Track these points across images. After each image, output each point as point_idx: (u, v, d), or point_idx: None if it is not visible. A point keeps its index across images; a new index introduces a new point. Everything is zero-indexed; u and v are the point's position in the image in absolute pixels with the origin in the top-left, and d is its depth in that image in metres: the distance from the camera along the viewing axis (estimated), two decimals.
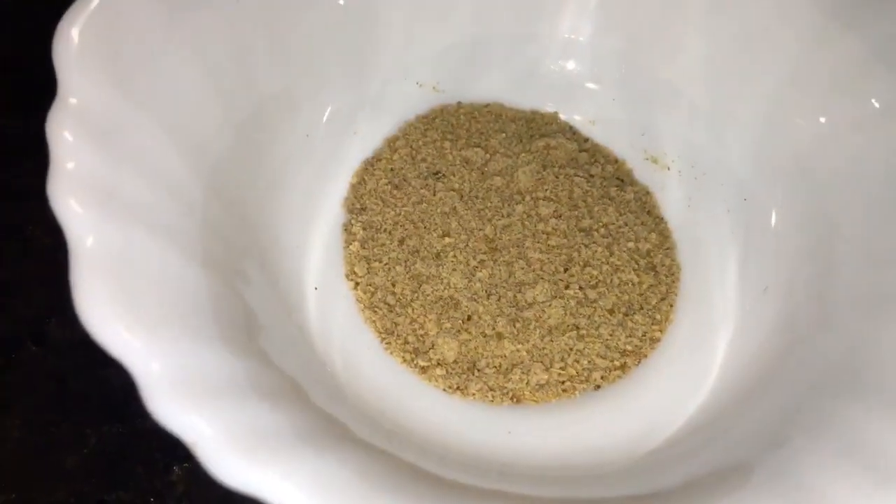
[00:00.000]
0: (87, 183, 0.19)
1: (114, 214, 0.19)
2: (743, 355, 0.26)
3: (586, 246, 0.29)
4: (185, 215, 0.21)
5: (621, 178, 0.31)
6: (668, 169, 0.31)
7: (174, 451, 0.24)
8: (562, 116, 0.32)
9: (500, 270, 0.28)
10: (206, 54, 0.24)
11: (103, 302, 0.17)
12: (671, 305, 0.28)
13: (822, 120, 0.27)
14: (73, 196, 0.19)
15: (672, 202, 0.30)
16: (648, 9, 0.30)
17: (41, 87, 0.20)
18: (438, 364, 0.26)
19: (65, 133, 0.19)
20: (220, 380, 0.17)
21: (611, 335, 0.27)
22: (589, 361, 0.26)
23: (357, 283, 0.28)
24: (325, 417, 0.20)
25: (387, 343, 0.27)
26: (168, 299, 0.19)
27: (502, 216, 0.29)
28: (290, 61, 0.28)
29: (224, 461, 0.16)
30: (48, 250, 0.28)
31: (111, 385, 0.25)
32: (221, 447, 0.16)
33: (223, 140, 0.25)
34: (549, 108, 0.32)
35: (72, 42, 0.21)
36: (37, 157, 0.22)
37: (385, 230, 0.28)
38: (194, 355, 0.17)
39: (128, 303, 0.17)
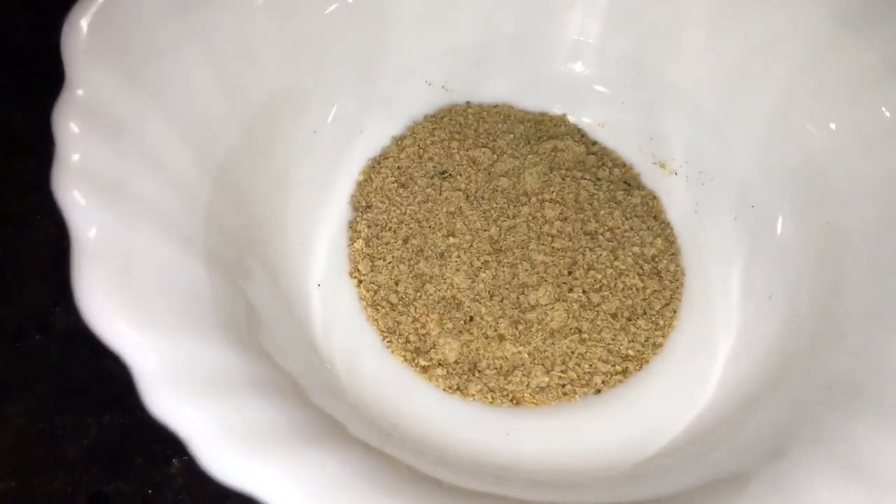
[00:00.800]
0: (92, 175, 0.19)
1: (118, 207, 0.19)
2: (745, 364, 0.26)
3: (591, 249, 0.29)
4: (189, 210, 0.21)
5: (628, 182, 0.31)
6: (676, 174, 0.31)
7: (174, 444, 0.24)
8: (570, 119, 0.32)
9: (503, 272, 0.28)
10: (215, 50, 0.24)
11: (103, 294, 0.17)
12: (674, 311, 0.28)
13: (833, 127, 0.27)
14: (77, 187, 0.19)
15: (679, 207, 0.30)
16: (657, 12, 0.29)
17: (50, 78, 0.21)
18: (439, 364, 0.26)
19: (71, 124, 0.20)
20: (218, 375, 0.18)
21: (613, 339, 0.27)
22: (590, 365, 0.26)
23: (360, 281, 0.28)
24: (323, 416, 0.20)
25: (388, 342, 0.27)
26: (168, 294, 0.19)
27: (508, 217, 0.29)
28: (298, 58, 0.28)
29: (218, 457, 0.16)
30: (55, 240, 0.28)
31: (114, 375, 0.25)
32: (216, 443, 0.16)
33: (230, 136, 0.25)
34: (557, 110, 0.32)
35: (81, 33, 0.21)
36: (45, 149, 0.22)
37: (390, 228, 0.28)
38: (193, 350, 0.18)
39: (128, 296, 0.17)
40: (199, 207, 0.22)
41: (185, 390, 0.16)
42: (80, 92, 0.20)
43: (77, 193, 0.19)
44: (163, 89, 0.22)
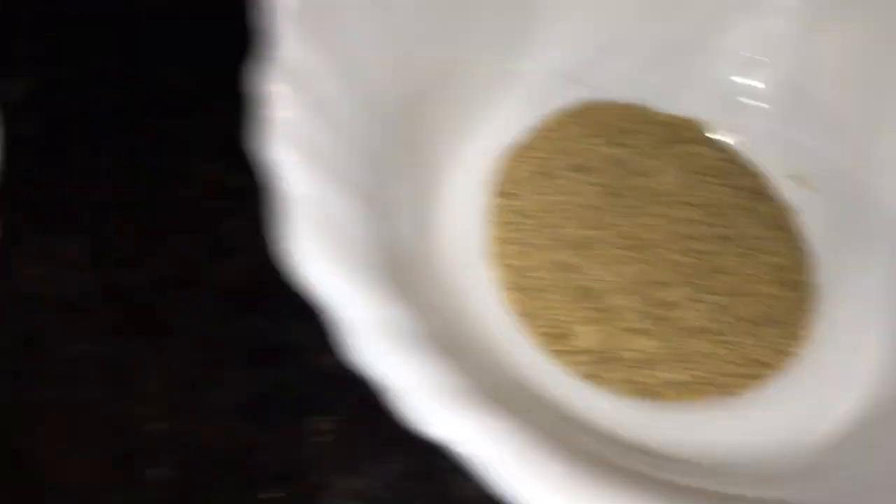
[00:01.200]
0: (293, 134, 0.20)
1: (317, 166, 0.20)
2: (888, 385, 0.26)
3: (725, 254, 0.29)
4: (370, 173, 0.22)
5: (764, 192, 0.31)
6: (815, 189, 0.31)
7: (321, 405, 0.25)
8: (710, 125, 0.32)
9: (641, 268, 0.28)
10: (396, 24, 0.25)
11: (316, 249, 0.18)
12: (810, 324, 0.28)
13: None
14: (281, 144, 0.19)
15: (815, 222, 0.30)
16: (835, 39, 0.29)
17: (235, 39, 0.21)
18: (574, 351, 0.27)
19: (274, 84, 0.20)
20: (412, 333, 0.18)
21: (749, 344, 0.27)
22: (724, 367, 0.27)
23: (498, 266, 0.28)
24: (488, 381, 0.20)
25: (524, 325, 0.27)
26: (363, 251, 0.19)
27: (645, 216, 0.29)
28: (451, 37, 0.28)
29: (425, 409, 0.16)
30: (211, 196, 0.29)
31: (263, 332, 0.26)
32: (422, 396, 0.17)
33: (392, 106, 0.26)
34: (699, 116, 0.32)
35: None
36: (205, 109, 0.22)
37: (529, 216, 0.29)
38: (391, 306, 0.18)
39: (335, 251, 0.18)
40: (378, 171, 0.22)
41: (393, 344, 0.17)
42: (283, 53, 0.21)
43: (282, 150, 0.19)
44: (346, 50, 0.23)
